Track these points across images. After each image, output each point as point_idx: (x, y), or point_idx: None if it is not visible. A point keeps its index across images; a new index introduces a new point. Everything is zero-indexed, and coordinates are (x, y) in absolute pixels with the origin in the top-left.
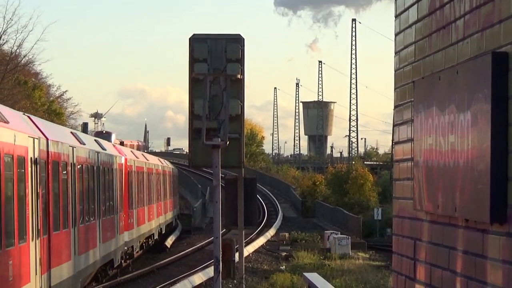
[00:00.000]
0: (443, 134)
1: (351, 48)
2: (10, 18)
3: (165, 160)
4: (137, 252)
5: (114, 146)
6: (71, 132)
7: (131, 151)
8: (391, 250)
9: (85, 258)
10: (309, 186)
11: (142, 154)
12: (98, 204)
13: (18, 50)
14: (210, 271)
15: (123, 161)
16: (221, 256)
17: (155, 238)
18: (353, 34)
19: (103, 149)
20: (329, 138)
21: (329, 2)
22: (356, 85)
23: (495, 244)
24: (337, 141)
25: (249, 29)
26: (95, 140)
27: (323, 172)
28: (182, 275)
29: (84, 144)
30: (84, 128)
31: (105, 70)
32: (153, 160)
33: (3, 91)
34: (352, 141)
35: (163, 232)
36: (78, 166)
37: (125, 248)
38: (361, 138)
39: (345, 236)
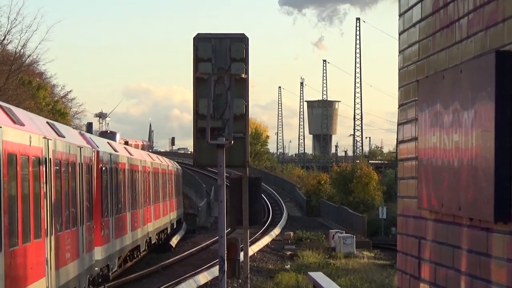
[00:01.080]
0: (447, 133)
1: (355, 47)
2: (14, 18)
3: (170, 160)
4: (144, 250)
5: (124, 148)
6: (108, 142)
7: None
8: (396, 249)
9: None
10: (314, 185)
11: (148, 154)
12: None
13: (22, 50)
14: (215, 271)
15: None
16: (226, 255)
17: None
18: (357, 33)
19: (116, 151)
20: (333, 137)
21: (334, 1)
22: (361, 84)
23: (500, 243)
24: (341, 140)
25: (254, 29)
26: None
27: (327, 171)
28: (187, 274)
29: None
30: (89, 128)
31: (109, 70)
32: (159, 160)
33: (8, 91)
34: (356, 140)
35: (168, 232)
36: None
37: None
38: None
39: (350, 235)
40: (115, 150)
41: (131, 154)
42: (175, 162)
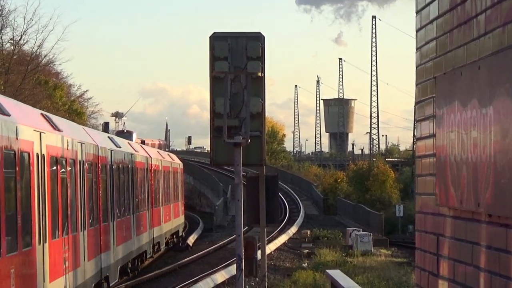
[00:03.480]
0: (465, 130)
1: (371, 45)
2: (31, 18)
3: (169, 153)
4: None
5: (142, 147)
6: (108, 137)
7: (158, 151)
8: (413, 247)
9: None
10: (331, 184)
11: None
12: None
13: (38, 50)
14: (232, 269)
15: (151, 162)
16: (243, 254)
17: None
18: (373, 31)
19: (136, 151)
20: (350, 135)
21: None
22: (377, 82)
23: None
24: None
25: (272, 28)
26: (128, 143)
27: (344, 169)
28: (204, 273)
29: (120, 147)
30: (105, 127)
31: (125, 69)
32: (167, 157)
33: (24, 91)
34: (373, 138)
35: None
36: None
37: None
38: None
39: (367, 233)
40: (163, 157)
41: (163, 157)
42: (174, 156)
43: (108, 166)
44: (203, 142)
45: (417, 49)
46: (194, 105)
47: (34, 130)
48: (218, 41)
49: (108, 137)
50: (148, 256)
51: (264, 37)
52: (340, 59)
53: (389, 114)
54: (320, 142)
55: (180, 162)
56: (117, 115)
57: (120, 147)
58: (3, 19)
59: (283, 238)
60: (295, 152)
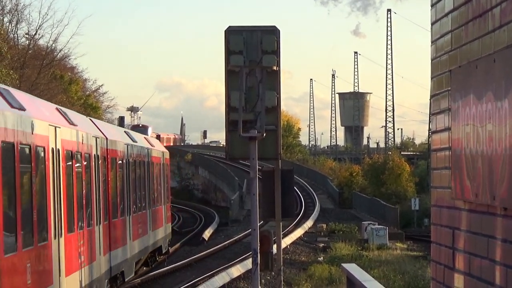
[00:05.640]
0: (481, 123)
1: (387, 38)
2: (46, 13)
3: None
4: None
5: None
6: (125, 131)
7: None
8: (429, 240)
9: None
10: (346, 177)
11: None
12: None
13: (53, 45)
14: (248, 263)
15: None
16: (259, 248)
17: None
18: (389, 24)
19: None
20: (365, 128)
21: None
22: (392, 75)
23: None
24: (373, 132)
25: (289, 21)
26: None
27: (360, 163)
28: (220, 267)
29: (136, 142)
30: (121, 121)
31: (141, 64)
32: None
33: (40, 86)
34: (388, 131)
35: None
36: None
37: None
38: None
39: (382, 226)
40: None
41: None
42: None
43: (124, 161)
44: (219, 136)
45: (432, 42)
46: (210, 99)
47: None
48: (233, 35)
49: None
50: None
51: (279, 31)
52: (356, 52)
53: (405, 107)
54: (336, 136)
55: (166, 150)
56: (133, 110)
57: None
58: (18, 14)
59: (298, 232)
60: (310, 146)
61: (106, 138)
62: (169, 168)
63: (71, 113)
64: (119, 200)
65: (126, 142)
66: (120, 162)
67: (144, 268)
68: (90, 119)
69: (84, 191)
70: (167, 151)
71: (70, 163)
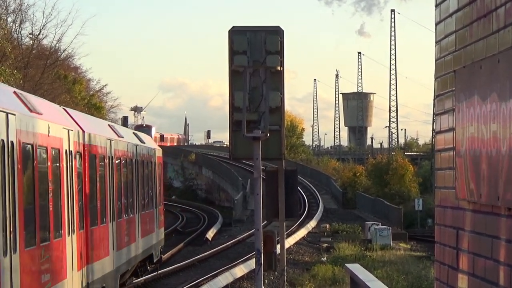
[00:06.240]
0: (485, 123)
1: (390, 38)
2: (50, 13)
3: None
4: None
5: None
6: (109, 125)
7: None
8: (433, 241)
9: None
10: (350, 178)
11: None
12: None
13: (57, 45)
14: (251, 263)
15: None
16: (262, 248)
17: None
18: (392, 24)
19: (142, 141)
20: (369, 129)
21: None
22: (396, 75)
23: None
24: (377, 132)
25: (293, 21)
26: (133, 133)
27: (363, 163)
28: (224, 267)
29: (144, 143)
30: (124, 121)
31: (145, 64)
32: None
33: (43, 86)
34: (392, 132)
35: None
36: (116, 158)
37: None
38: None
39: (386, 227)
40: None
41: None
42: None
43: (106, 158)
44: (222, 136)
45: (436, 42)
46: (214, 99)
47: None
48: (237, 35)
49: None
50: (155, 260)
51: (283, 31)
52: (359, 53)
53: (408, 108)
54: (339, 136)
55: (158, 148)
56: (136, 110)
57: (123, 137)
58: (22, 14)
59: (302, 232)
60: (314, 146)
61: (83, 131)
62: (162, 167)
63: (34, 99)
64: (99, 204)
65: (109, 136)
66: (101, 159)
67: (134, 278)
68: (64, 109)
69: (50, 194)
70: (159, 148)
71: (30, 160)
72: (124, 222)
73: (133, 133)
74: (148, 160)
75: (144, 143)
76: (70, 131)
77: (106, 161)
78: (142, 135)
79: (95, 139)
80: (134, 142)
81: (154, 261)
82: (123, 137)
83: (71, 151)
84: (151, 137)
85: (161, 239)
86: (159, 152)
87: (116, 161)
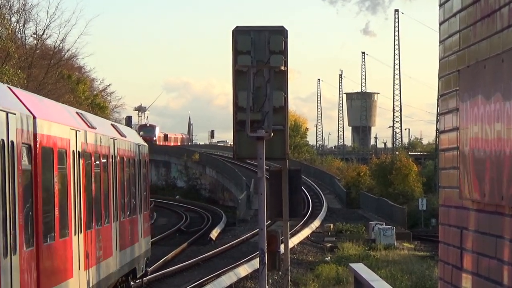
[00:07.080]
0: (489, 123)
1: (394, 38)
2: (53, 13)
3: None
4: None
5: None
6: (77, 112)
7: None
8: (436, 240)
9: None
10: (354, 177)
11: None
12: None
13: (61, 45)
14: (255, 263)
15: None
16: (266, 247)
17: None
18: (396, 24)
19: (122, 135)
20: (373, 129)
21: None
22: (400, 75)
23: None
24: (381, 132)
25: (298, 21)
26: (111, 124)
27: (367, 163)
28: (228, 267)
29: (125, 136)
30: (128, 121)
31: (149, 64)
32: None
33: (47, 85)
34: (396, 131)
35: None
36: (85, 154)
37: None
38: (405, 129)
39: (390, 226)
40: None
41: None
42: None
43: (72, 154)
44: (226, 136)
45: (440, 42)
46: (217, 99)
47: (71, 129)
48: (241, 35)
49: (76, 112)
50: (138, 275)
51: (286, 31)
52: (363, 52)
53: (412, 107)
54: (343, 136)
55: (144, 144)
56: (140, 109)
57: (95, 128)
58: (26, 14)
59: (306, 232)
60: (318, 145)
61: (34, 117)
62: (148, 166)
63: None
64: (58, 211)
65: (74, 126)
66: (63, 155)
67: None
68: (9, 87)
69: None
70: (145, 144)
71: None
72: (95, 232)
73: (112, 124)
74: (130, 157)
75: (125, 137)
76: (13, 115)
77: (72, 158)
78: (122, 127)
79: (52, 129)
80: (112, 135)
81: (138, 276)
82: (95, 128)
83: (14, 142)
84: (155, 136)
85: (146, 250)
86: (144, 149)
87: (86, 158)
